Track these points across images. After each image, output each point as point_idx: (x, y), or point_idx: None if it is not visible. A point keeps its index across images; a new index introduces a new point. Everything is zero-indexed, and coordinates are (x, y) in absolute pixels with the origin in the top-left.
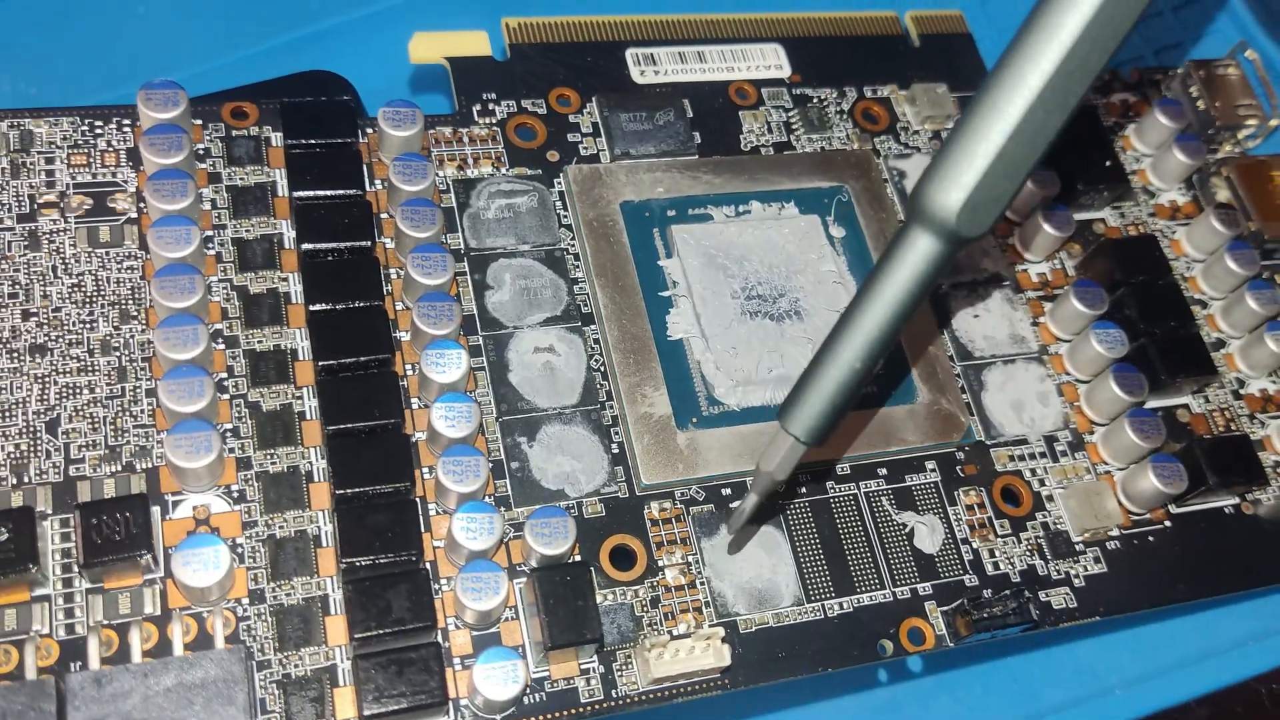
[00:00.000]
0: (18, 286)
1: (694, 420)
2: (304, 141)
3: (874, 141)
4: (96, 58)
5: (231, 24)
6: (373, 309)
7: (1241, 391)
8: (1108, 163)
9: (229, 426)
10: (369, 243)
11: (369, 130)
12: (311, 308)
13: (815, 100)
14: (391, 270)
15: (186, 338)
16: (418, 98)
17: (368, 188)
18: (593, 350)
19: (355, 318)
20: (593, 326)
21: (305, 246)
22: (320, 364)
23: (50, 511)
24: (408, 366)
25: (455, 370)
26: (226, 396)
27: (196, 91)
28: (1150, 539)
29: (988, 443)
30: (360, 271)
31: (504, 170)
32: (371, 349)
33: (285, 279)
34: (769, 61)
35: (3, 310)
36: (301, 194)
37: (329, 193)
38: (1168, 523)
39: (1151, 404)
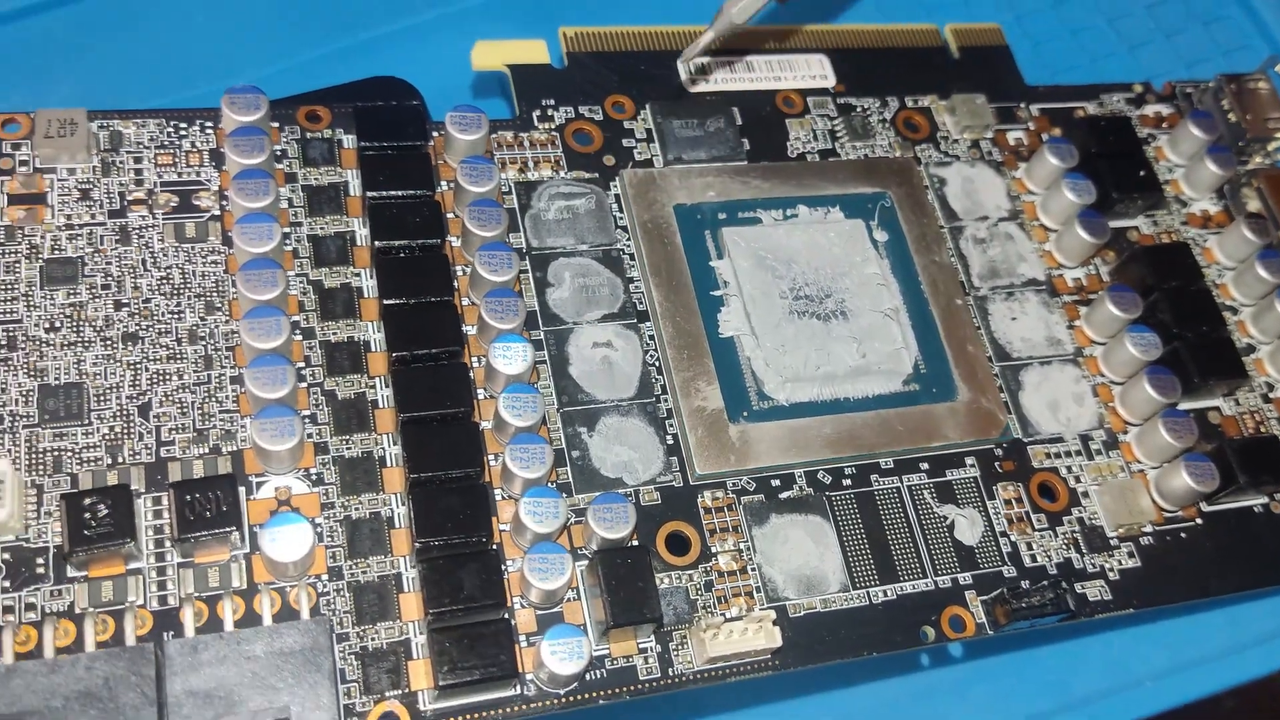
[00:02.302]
0: (110, 279)
1: (745, 414)
2: (376, 144)
3: (915, 149)
4: (155, 65)
5: (293, 28)
6: (443, 304)
7: (1271, 395)
8: (1141, 172)
9: (307, 413)
10: (438, 240)
11: (436, 134)
12: (385, 302)
13: (859, 109)
14: (458, 267)
15: (270, 329)
16: (479, 103)
17: (436, 189)
18: (648, 346)
19: (426, 312)
20: (648, 324)
21: (378, 244)
22: (394, 355)
23: (143, 490)
24: (475, 359)
25: (520, 362)
26: (304, 385)
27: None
28: (1182, 535)
29: (1025, 440)
30: (430, 268)
31: (563, 173)
32: (442, 341)
33: (358, 274)
34: (814, 72)
35: (97, 301)
36: (374, 194)
37: (400, 193)
38: (1199, 520)
39: (1184, 406)
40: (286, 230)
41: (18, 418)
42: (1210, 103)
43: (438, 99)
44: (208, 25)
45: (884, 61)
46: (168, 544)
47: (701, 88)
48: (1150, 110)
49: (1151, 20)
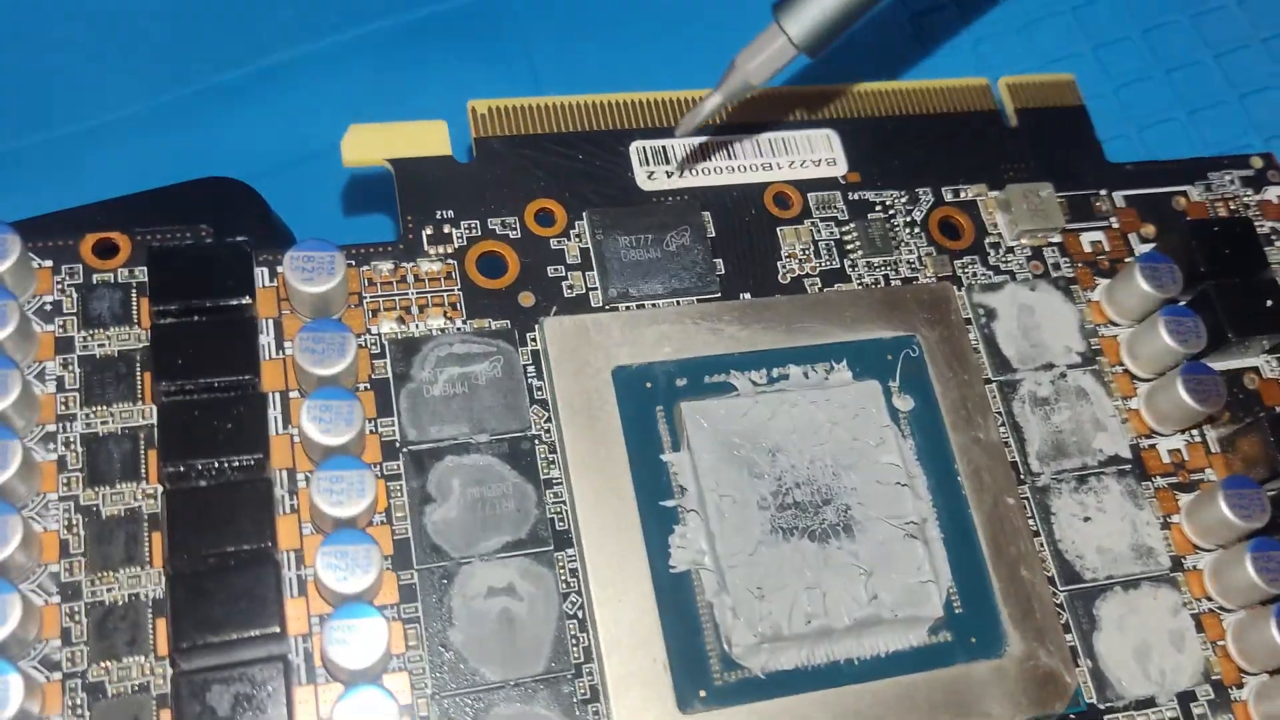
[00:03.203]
0: None
1: (702, 694)
2: (177, 305)
3: (954, 265)
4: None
5: (174, 55)
6: (261, 577)
7: None
8: (1269, 302)
9: None
10: (258, 457)
11: (278, 268)
12: (175, 556)
13: (879, 208)
14: (300, 476)
15: None
16: (357, 211)
17: (273, 354)
18: (568, 589)
19: (236, 574)
20: (570, 551)
21: (169, 468)
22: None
23: None
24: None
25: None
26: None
27: (68, 157)
28: None
29: (1101, 708)
30: (247, 504)
31: (460, 323)
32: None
33: (152, 495)
34: (819, 154)
35: None
36: (170, 384)
37: (211, 380)
38: None
39: None
40: (51, 429)
41: None
42: None
43: (323, 170)
44: (71, 48)
45: (913, 136)
46: None
47: (661, 183)
48: (1275, 194)
49: (1269, 56)
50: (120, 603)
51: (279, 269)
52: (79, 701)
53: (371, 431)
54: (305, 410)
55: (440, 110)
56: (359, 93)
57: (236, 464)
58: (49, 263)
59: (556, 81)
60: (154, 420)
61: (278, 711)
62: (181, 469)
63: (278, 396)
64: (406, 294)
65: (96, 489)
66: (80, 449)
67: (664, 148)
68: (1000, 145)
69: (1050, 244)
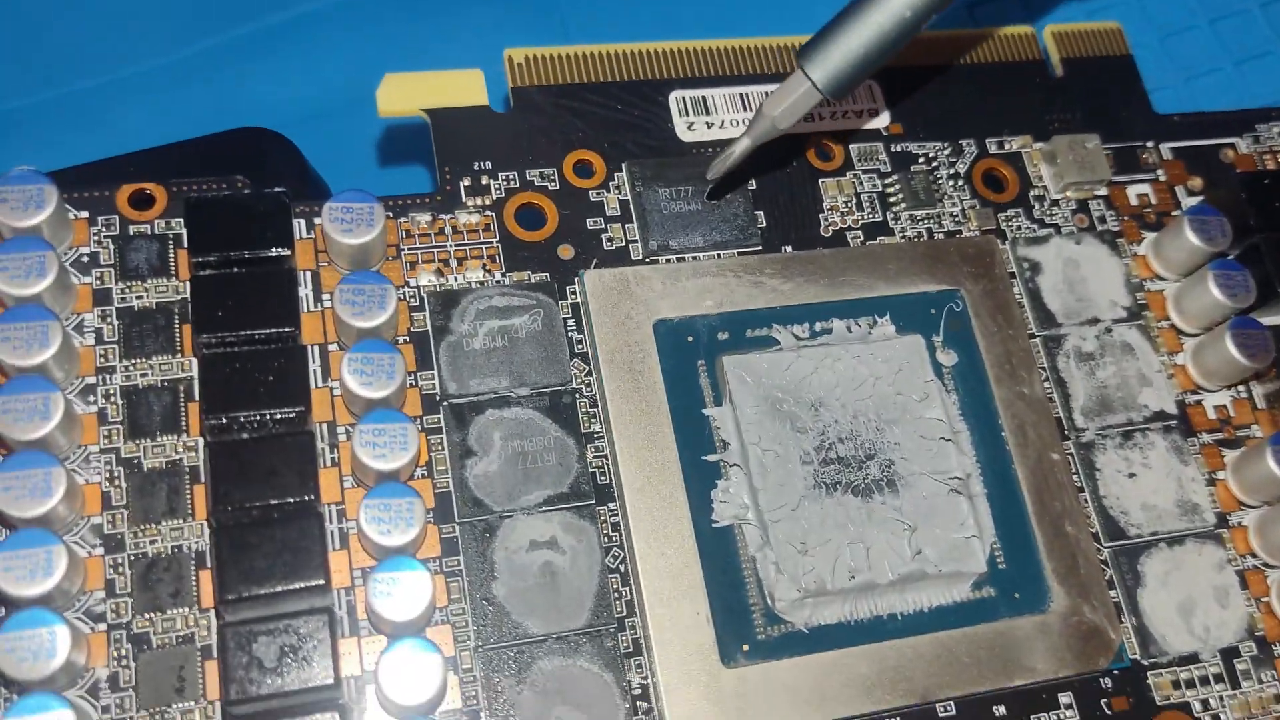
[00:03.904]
0: None
1: (745, 648)
2: (214, 257)
3: (998, 219)
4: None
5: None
6: (305, 530)
7: None
8: None
9: None
10: (301, 409)
11: (315, 219)
12: (218, 509)
13: (922, 160)
14: (341, 430)
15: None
16: (392, 162)
17: (312, 307)
18: (609, 543)
19: (280, 527)
20: (612, 505)
21: (210, 421)
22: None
23: None
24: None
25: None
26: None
27: (100, 108)
28: None
29: (1145, 664)
30: (290, 457)
31: (499, 276)
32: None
33: (193, 448)
34: (861, 105)
35: None
36: (210, 337)
37: (252, 332)
38: None
39: None
40: (91, 380)
41: None
42: None
43: (347, 149)
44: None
45: (958, 86)
46: None
47: (701, 134)
48: None
49: None
50: (164, 555)
51: (317, 220)
52: (124, 652)
53: (411, 385)
54: (346, 363)
55: (468, 59)
56: (386, 41)
57: (278, 417)
58: (85, 214)
59: (585, 30)
60: (194, 373)
61: (323, 663)
62: (223, 421)
63: (317, 350)
64: (445, 246)
65: (138, 441)
66: (120, 401)
67: (703, 98)
68: (1045, 95)
69: (1096, 197)
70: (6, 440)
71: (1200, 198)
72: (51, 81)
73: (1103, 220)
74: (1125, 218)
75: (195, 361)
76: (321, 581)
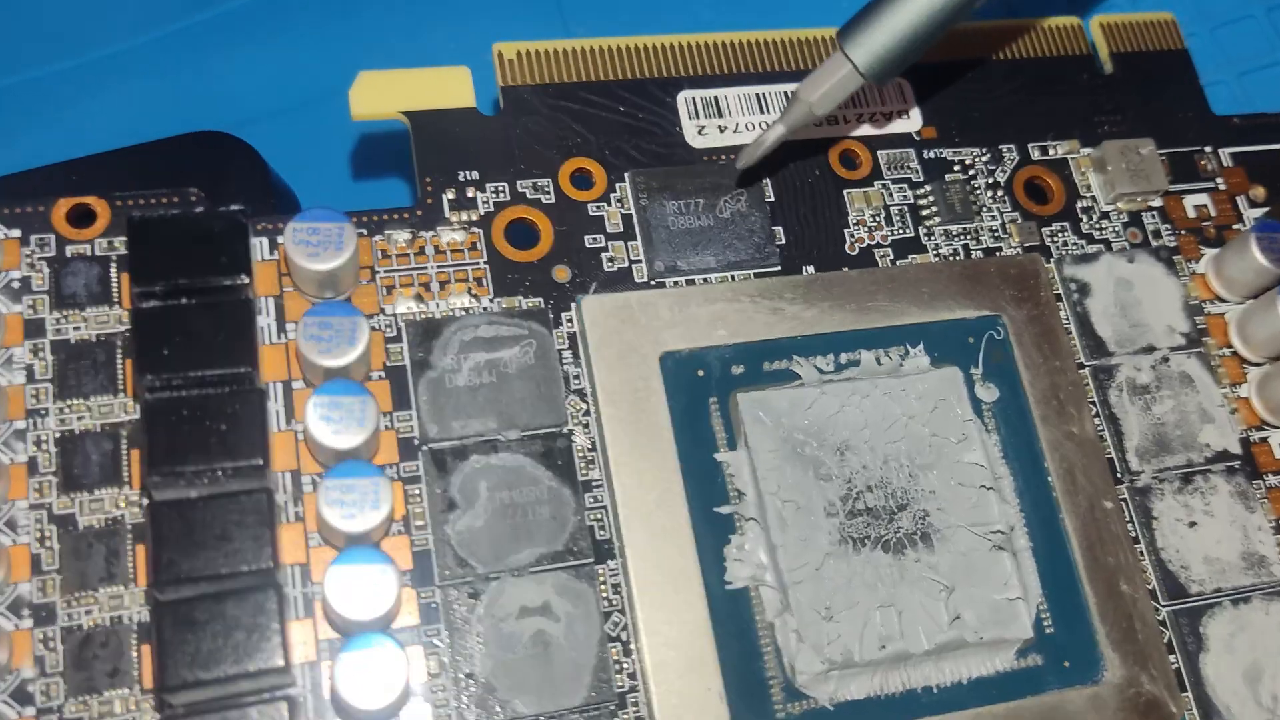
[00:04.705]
0: None
1: None
2: (161, 286)
3: (1042, 234)
4: None
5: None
6: (262, 605)
7: None
8: None
9: None
10: (258, 461)
11: (279, 238)
12: (160, 580)
13: (957, 168)
14: (306, 479)
15: None
16: (367, 172)
17: (274, 338)
18: (610, 605)
19: (233, 602)
20: (613, 564)
21: (154, 477)
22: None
23: None
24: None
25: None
26: None
27: (37, 105)
28: None
29: None
30: (245, 519)
31: (486, 302)
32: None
33: (135, 502)
34: (890, 107)
35: None
36: (154, 379)
37: (200, 373)
38: None
39: None
40: (20, 426)
41: None
42: None
43: (327, 122)
44: None
45: (997, 85)
46: None
47: (713, 140)
48: None
49: None
50: (101, 628)
51: (280, 240)
52: None
53: (387, 427)
54: (311, 408)
55: (457, 55)
56: (362, 32)
57: (232, 470)
58: (16, 232)
59: (586, 21)
60: (137, 415)
61: None
62: (168, 477)
63: (279, 387)
64: (425, 268)
65: (72, 495)
66: (54, 449)
67: (715, 98)
68: (1094, 94)
69: (1150, 209)
70: None
71: (1265, 209)
72: None
73: (1157, 235)
74: (1182, 232)
75: (138, 405)
76: (280, 663)
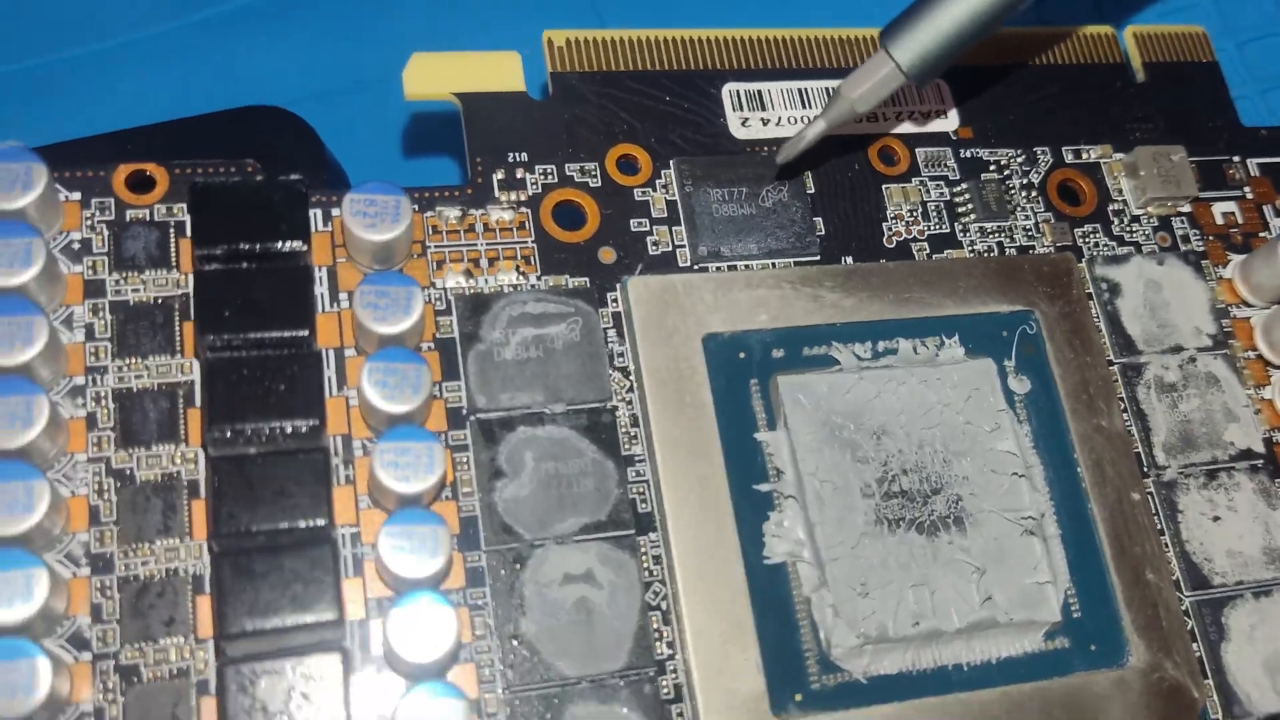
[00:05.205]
0: None
1: (797, 698)
2: (223, 250)
3: (1074, 234)
4: None
5: None
6: (318, 559)
7: None
8: None
9: None
10: (315, 422)
11: (334, 210)
12: (221, 532)
13: (993, 168)
14: (357, 443)
15: None
16: (418, 151)
17: (328, 307)
18: (650, 576)
19: (290, 555)
20: (654, 536)
21: (215, 433)
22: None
23: None
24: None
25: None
26: None
27: (94, 79)
28: None
29: None
30: (302, 476)
31: (534, 279)
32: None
33: (192, 459)
34: (929, 106)
35: None
36: (215, 339)
37: (260, 335)
38: None
39: None
40: (79, 381)
41: None
42: None
43: (379, 103)
44: None
45: (1032, 89)
46: None
47: (756, 131)
48: None
49: None
50: (157, 578)
51: (335, 212)
52: (111, 685)
53: (436, 397)
54: (367, 373)
55: (503, 41)
56: (414, 15)
57: (289, 430)
58: (77, 195)
59: (619, 15)
60: (195, 376)
61: (334, 706)
62: (229, 434)
63: (331, 354)
64: (475, 245)
65: (130, 450)
66: (112, 405)
67: (759, 92)
68: (1126, 101)
69: (1179, 214)
70: None
71: None
72: (39, 47)
73: (1185, 239)
74: (1210, 238)
75: (196, 364)
76: (334, 616)
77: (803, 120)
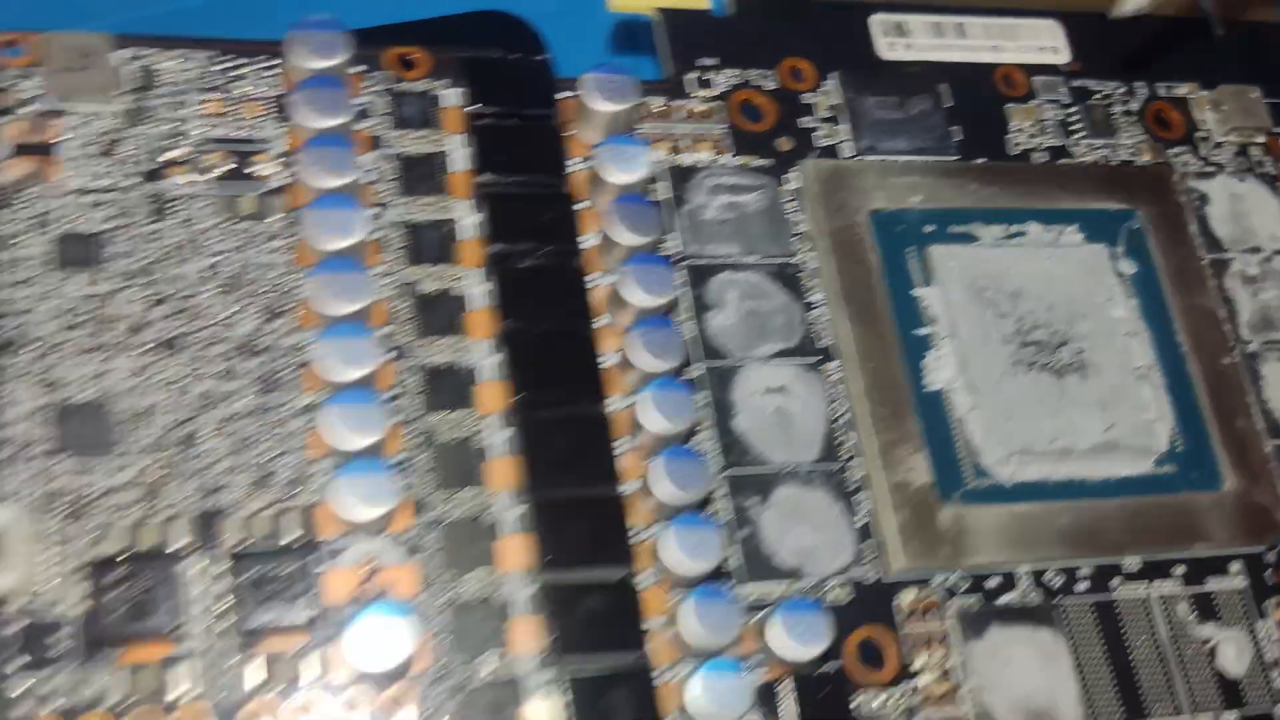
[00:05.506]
0: (139, 265)
1: (959, 493)
2: (493, 110)
3: (1167, 154)
4: None
5: None
6: (575, 334)
7: None
8: None
9: (401, 456)
10: (571, 247)
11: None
12: (506, 324)
13: (1098, 96)
14: (593, 277)
15: (353, 353)
16: (618, 56)
17: (565, 172)
18: (834, 394)
19: (555, 343)
20: (834, 363)
21: (494, 249)
22: (518, 397)
23: (190, 549)
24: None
25: (681, 419)
26: (397, 419)
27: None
28: None
29: None
30: (560, 284)
31: (728, 158)
32: (576, 386)
33: (460, 278)
34: (1044, 42)
35: (122, 294)
36: (490, 178)
37: (522, 178)
38: None
39: None
40: (373, 211)
41: (24, 446)
42: None
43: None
44: None
45: (1131, 33)
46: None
47: (900, 54)
48: None
49: None
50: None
51: (568, 94)
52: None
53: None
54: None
55: None
56: None
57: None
58: (362, 67)
59: None
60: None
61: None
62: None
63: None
64: (676, 129)
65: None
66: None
67: (899, 24)
68: (1209, 47)
69: (1256, 143)
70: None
71: None
72: None
73: (1261, 164)
74: None
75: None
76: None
77: (940, 47)
